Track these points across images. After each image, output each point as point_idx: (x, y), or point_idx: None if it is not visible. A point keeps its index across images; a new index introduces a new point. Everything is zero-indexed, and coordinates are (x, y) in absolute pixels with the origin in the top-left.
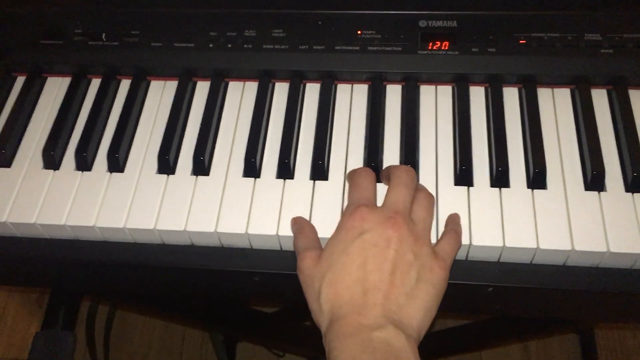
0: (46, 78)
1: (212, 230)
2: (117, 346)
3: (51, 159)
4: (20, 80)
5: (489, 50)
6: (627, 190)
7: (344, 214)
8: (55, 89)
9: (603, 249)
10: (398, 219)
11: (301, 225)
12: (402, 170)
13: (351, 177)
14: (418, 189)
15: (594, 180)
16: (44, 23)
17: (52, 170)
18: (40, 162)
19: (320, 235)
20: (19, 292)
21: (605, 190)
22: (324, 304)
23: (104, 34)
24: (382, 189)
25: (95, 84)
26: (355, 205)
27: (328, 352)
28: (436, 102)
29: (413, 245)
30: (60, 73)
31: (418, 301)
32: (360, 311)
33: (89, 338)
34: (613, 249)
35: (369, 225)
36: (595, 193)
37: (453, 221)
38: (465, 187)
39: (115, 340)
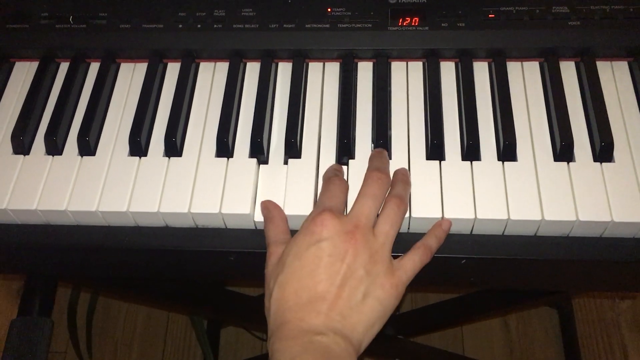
0: (14, 63)
1: (186, 210)
2: (101, 335)
3: (20, 144)
4: None
5: (458, 25)
6: (595, 160)
7: (308, 216)
8: (23, 73)
9: (572, 217)
10: (357, 234)
11: (271, 213)
12: (374, 179)
13: (325, 181)
14: (390, 198)
15: (563, 151)
16: (9, 7)
17: (22, 156)
18: (9, 147)
19: (294, 213)
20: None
21: (574, 161)
22: (272, 303)
23: (71, 17)
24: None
25: (63, 67)
26: (320, 209)
27: (270, 355)
28: (407, 78)
29: (367, 262)
30: (28, 57)
31: (363, 316)
32: (302, 317)
33: (71, 327)
34: (582, 218)
35: (328, 233)
36: (564, 164)
37: (436, 229)
38: (437, 162)
39: (98, 329)
